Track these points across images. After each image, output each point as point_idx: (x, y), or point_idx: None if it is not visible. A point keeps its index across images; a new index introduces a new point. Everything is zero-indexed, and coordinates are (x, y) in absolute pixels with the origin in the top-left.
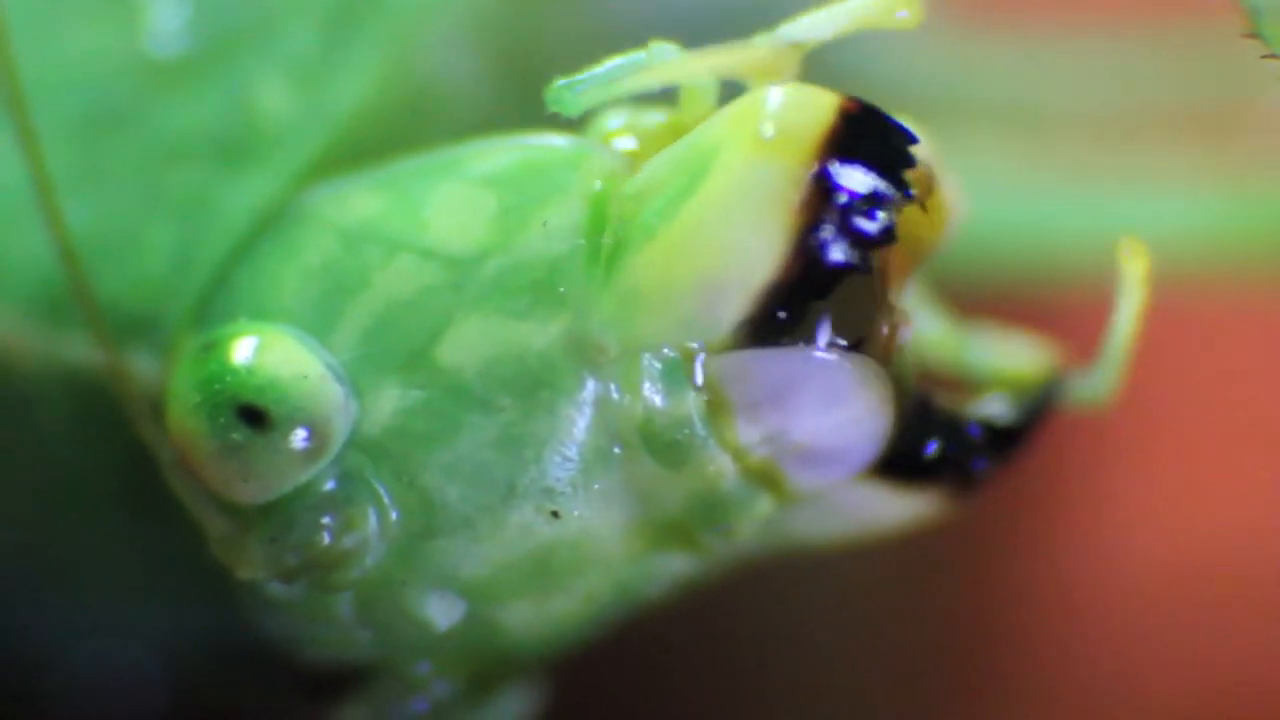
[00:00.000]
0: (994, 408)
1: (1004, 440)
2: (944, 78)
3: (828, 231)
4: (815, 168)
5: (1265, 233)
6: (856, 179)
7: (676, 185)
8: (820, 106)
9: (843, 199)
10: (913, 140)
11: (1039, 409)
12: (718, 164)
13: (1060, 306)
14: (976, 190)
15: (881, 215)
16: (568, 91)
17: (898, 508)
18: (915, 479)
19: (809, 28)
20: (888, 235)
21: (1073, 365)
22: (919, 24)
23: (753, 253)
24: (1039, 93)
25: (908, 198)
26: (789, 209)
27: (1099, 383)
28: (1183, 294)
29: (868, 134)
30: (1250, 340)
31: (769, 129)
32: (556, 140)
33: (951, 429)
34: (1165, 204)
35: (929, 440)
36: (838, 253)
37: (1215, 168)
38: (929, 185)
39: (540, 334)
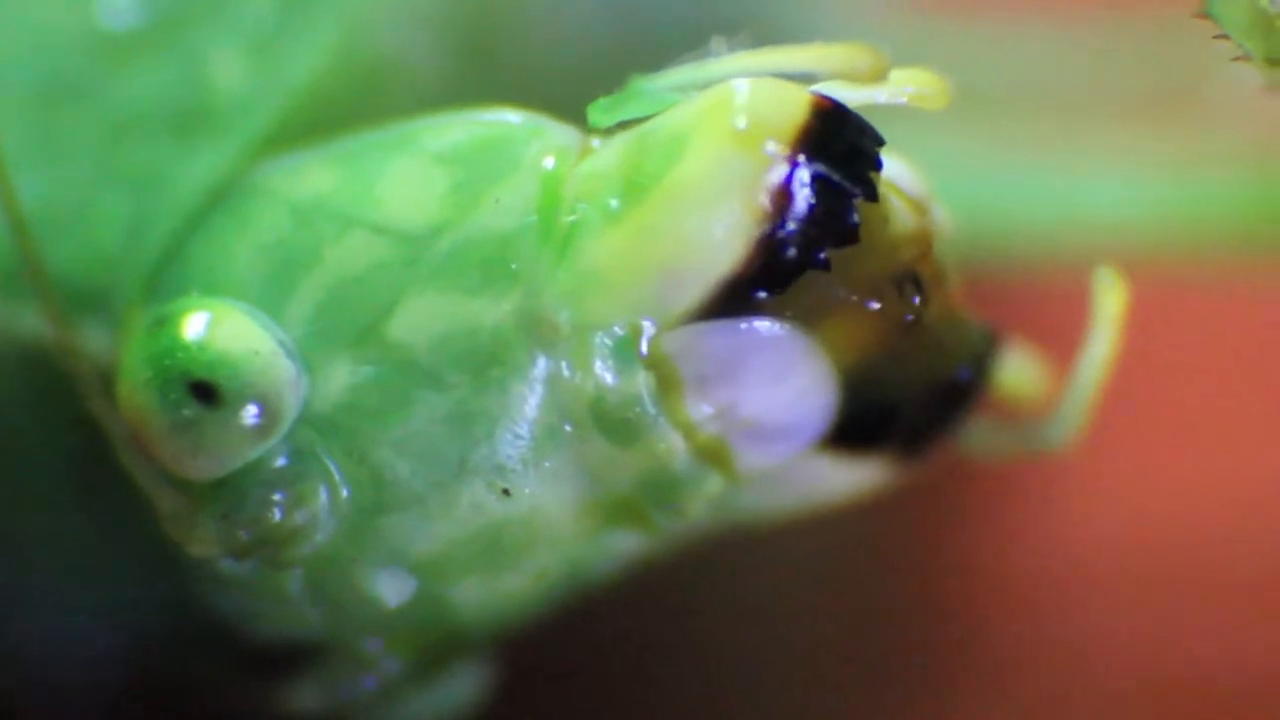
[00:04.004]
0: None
1: (951, 401)
2: (902, 62)
3: (792, 229)
4: (785, 164)
5: (1220, 215)
6: (825, 179)
7: (642, 169)
8: (794, 103)
9: (810, 198)
10: (881, 142)
11: (984, 367)
12: (688, 153)
13: (1016, 288)
14: (931, 173)
15: (846, 216)
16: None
17: (845, 478)
18: (859, 448)
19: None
20: (851, 236)
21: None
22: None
23: (716, 244)
24: (993, 76)
25: (873, 200)
26: (756, 204)
27: (1059, 427)
28: (1136, 277)
29: (839, 133)
30: (1204, 323)
31: (741, 121)
32: (510, 117)
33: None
34: (1120, 185)
35: (872, 407)
36: (799, 251)
37: (1169, 149)
38: (922, 209)
39: (492, 311)
